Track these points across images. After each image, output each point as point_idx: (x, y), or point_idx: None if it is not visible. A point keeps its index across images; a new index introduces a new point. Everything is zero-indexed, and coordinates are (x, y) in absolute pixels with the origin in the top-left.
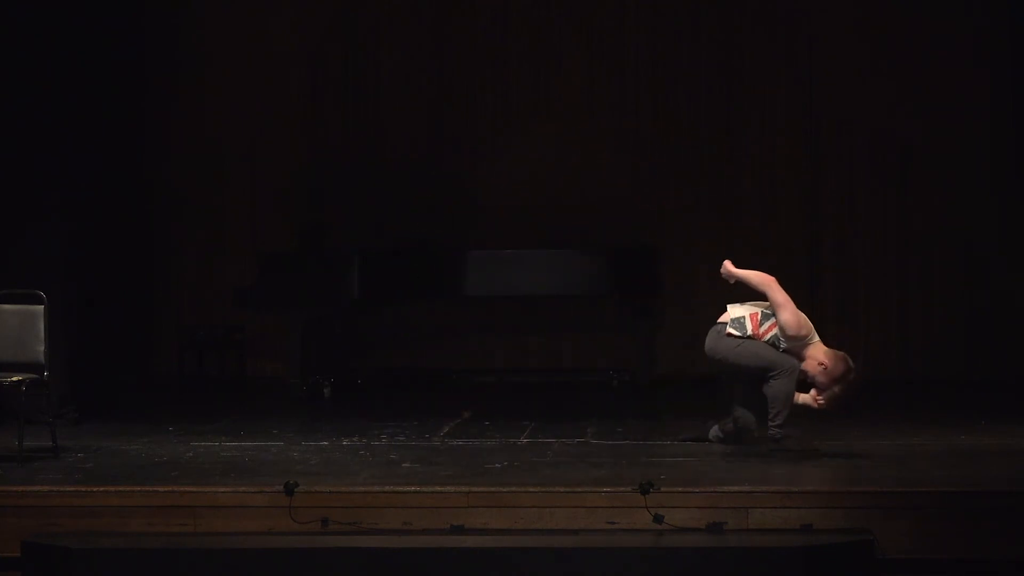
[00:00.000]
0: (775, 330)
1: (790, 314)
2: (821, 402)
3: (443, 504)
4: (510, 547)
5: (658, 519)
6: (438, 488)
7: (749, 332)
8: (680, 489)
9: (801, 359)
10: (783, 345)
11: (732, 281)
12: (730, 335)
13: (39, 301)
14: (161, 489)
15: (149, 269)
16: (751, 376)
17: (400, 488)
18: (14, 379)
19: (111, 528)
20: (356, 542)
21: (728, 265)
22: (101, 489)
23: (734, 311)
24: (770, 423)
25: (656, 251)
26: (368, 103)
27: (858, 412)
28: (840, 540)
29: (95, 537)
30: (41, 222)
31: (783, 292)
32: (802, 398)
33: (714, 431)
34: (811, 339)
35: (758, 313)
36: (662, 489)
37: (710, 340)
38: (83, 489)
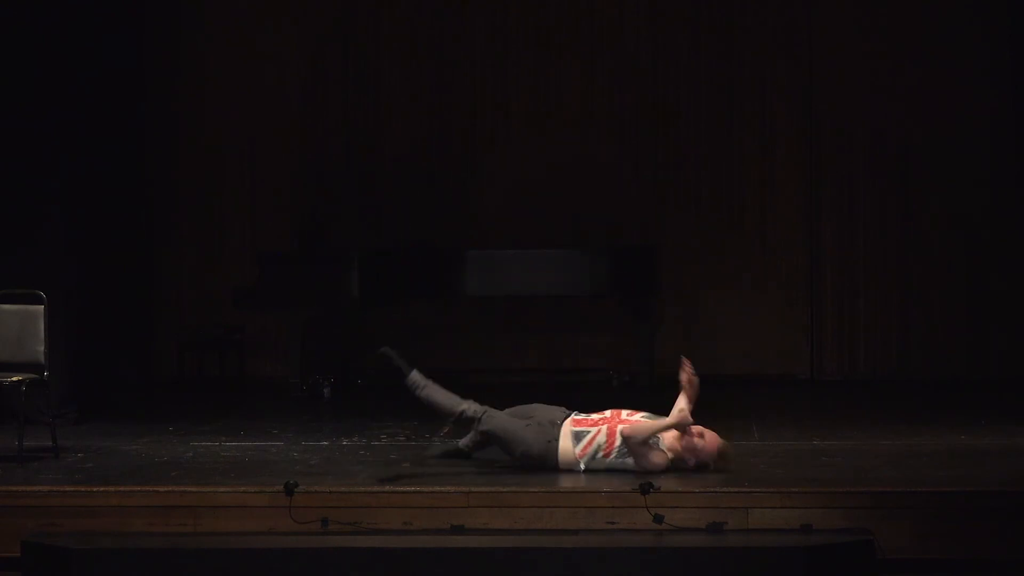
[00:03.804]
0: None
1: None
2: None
3: (443, 504)
4: (510, 547)
5: (658, 519)
6: (438, 488)
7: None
8: (680, 489)
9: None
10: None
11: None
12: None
13: (39, 301)
14: (161, 489)
15: (149, 269)
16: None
17: (400, 488)
18: (14, 379)
19: (111, 528)
20: (356, 542)
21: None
22: (101, 489)
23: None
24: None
25: (656, 251)
26: (368, 103)
27: (858, 412)
28: (840, 540)
29: (95, 537)
30: (42, 222)
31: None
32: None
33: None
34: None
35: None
36: (662, 489)
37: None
38: (83, 489)
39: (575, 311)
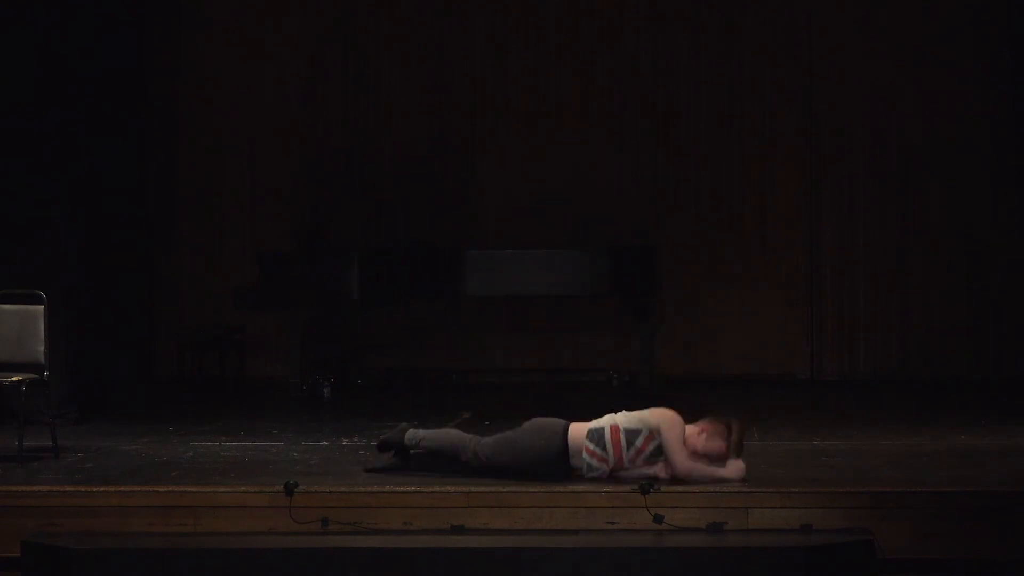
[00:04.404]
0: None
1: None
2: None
3: (443, 504)
4: (510, 547)
5: (658, 519)
6: (438, 488)
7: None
8: (680, 489)
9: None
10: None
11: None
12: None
13: (39, 301)
14: (161, 489)
15: (149, 269)
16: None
17: (400, 488)
18: (14, 379)
19: (111, 528)
20: (356, 542)
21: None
22: (101, 489)
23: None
24: None
25: (656, 251)
26: (368, 103)
27: (858, 412)
28: (840, 540)
29: (95, 537)
30: (42, 222)
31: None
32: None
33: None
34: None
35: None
36: (662, 489)
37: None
38: (83, 489)
39: (575, 311)
